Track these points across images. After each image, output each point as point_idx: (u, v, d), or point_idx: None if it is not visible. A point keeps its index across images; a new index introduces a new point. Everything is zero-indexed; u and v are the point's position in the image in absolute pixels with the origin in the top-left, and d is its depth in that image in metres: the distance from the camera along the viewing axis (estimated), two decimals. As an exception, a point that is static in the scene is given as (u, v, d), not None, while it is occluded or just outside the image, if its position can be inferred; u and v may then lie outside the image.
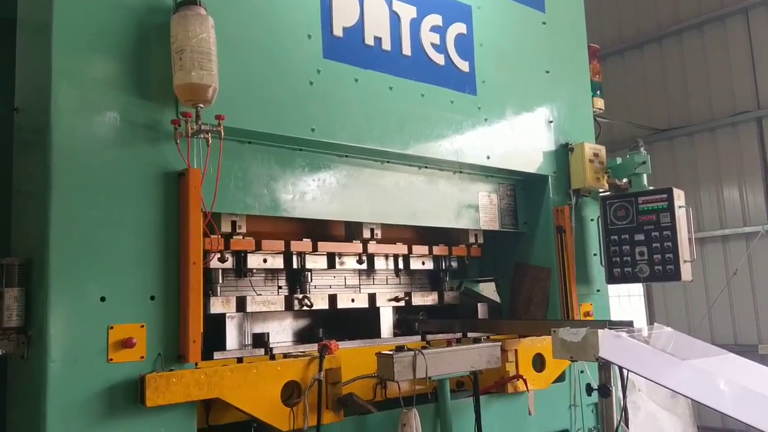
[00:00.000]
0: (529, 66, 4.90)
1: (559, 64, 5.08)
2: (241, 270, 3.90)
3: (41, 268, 2.79)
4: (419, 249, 4.59)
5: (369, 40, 3.97)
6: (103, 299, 2.84)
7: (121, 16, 3.07)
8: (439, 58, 4.31)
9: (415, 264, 4.70)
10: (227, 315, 3.71)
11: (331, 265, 4.26)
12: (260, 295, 3.98)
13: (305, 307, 4.02)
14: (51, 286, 2.73)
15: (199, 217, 3.09)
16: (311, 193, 3.77)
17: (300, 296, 4.03)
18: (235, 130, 3.33)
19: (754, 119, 10.20)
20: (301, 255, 4.10)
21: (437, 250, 4.69)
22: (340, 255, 4.30)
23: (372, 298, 4.39)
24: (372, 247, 4.31)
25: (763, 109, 10.10)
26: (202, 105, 3.05)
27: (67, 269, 2.77)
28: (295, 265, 4.09)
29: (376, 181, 4.09)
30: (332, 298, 4.19)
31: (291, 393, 3.29)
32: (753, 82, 10.24)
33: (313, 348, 3.55)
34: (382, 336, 4.33)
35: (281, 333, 4.20)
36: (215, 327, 3.66)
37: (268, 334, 3.84)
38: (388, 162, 4.14)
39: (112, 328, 2.84)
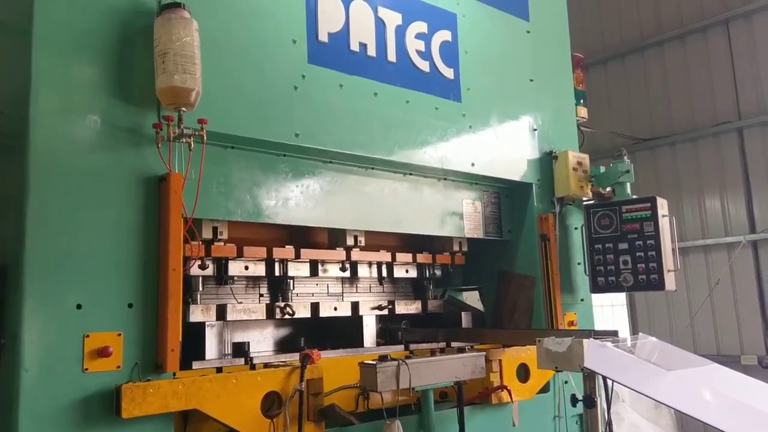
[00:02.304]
0: (514, 74, 4.90)
1: (543, 72, 5.09)
2: (222, 277, 3.83)
3: (16, 274, 2.71)
4: (403, 257, 4.55)
5: (354, 46, 3.95)
6: (79, 306, 2.77)
7: (103, 18, 3.02)
8: (424, 65, 4.29)
9: (399, 272, 4.66)
10: (207, 323, 3.63)
11: (314, 272, 4.21)
12: (241, 303, 3.91)
13: (287, 316, 3.96)
14: (26, 293, 2.66)
15: (180, 222, 3.04)
16: (294, 199, 3.72)
17: (282, 305, 3.96)
18: (218, 135, 3.29)
19: (735, 130, 10.26)
20: (284, 262, 4.03)
21: (421, 258, 4.65)
22: (323, 262, 4.24)
23: (355, 306, 4.34)
24: (355, 254, 4.26)
25: (744, 120, 10.17)
26: (184, 109, 3.01)
27: (42, 275, 2.70)
28: (277, 273, 4.02)
29: (360, 187, 4.06)
30: (314, 307, 4.13)
31: (271, 404, 3.23)
32: (734, 92, 10.31)
33: (294, 358, 3.48)
34: (365, 345, 4.28)
35: (262, 342, 4.13)
36: (194, 336, 3.59)
37: (248, 343, 3.78)
38: (372, 168, 4.11)
39: (88, 336, 2.77)
